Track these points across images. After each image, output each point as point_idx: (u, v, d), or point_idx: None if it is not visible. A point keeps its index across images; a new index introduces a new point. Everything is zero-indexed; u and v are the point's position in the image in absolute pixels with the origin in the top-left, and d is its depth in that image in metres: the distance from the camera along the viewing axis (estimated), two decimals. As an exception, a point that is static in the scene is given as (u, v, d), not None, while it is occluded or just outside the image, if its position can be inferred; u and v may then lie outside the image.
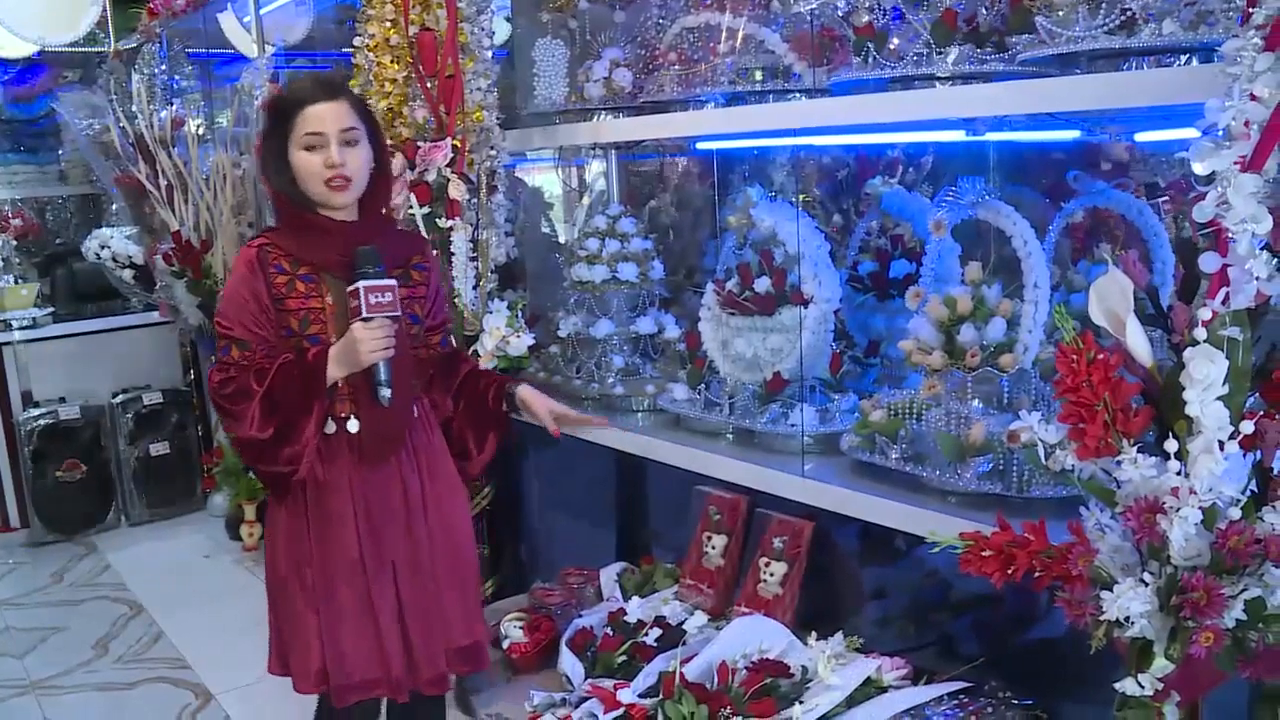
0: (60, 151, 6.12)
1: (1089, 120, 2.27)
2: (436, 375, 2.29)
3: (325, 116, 1.99)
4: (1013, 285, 2.20)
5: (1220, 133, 1.29)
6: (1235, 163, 1.27)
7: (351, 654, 2.08)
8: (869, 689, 1.98)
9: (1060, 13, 1.87)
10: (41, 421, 5.12)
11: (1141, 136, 2.29)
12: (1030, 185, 2.67)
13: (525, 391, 2.36)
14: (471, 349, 2.91)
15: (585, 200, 3.80)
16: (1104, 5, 1.80)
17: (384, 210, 2.22)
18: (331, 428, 2.06)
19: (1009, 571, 1.45)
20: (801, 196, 3.33)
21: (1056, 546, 1.44)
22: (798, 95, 2.53)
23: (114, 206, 5.82)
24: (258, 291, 2.01)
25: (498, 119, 3.09)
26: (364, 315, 1.94)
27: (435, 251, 2.40)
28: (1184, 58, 1.74)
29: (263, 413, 1.97)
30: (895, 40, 2.23)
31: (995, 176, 2.64)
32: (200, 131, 4.99)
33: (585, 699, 2.05)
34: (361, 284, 1.95)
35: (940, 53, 2.08)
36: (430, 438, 2.22)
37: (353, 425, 2.06)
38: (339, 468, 2.07)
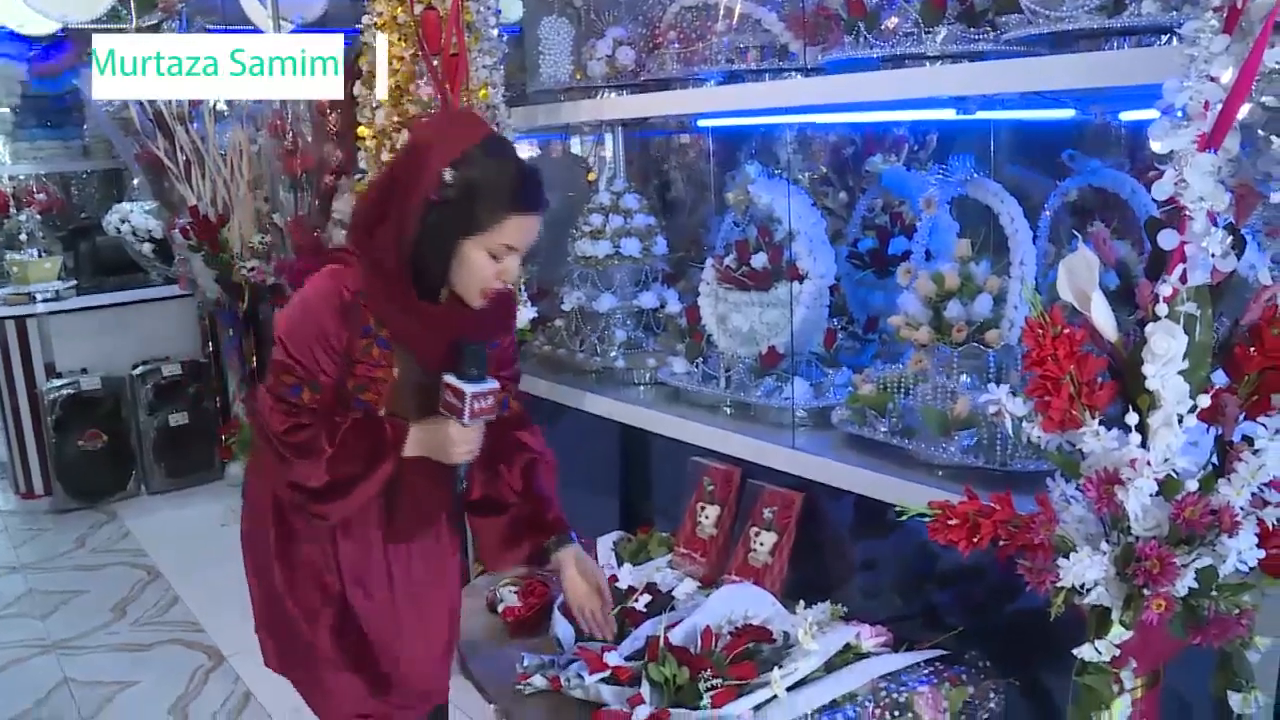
0: (84, 127, 6.21)
1: (1081, 99, 2.28)
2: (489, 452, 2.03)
3: (529, 230, 1.85)
4: (1007, 262, 2.22)
5: (1179, 112, 1.32)
6: (1193, 141, 1.30)
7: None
8: (848, 655, 2.02)
9: (1045, -9, 1.90)
10: (64, 392, 5.24)
11: (1127, 115, 2.29)
12: (1034, 164, 2.68)
13: (564, 553, 2.13)
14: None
15: (592, 176, 3.84)
16: (1088, -15, 1.82)
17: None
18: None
19: (975, 540, 1.49)
20: (807, 174, 3.36)
21: (1020, 516, 1.47)
22: (793, 74, 2.55)
23: (135, 181, 5.91)
24: (338, 338, 1.84)
25: (505, 96, 3.13)
26: (464, 420, 1.86)
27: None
28: (1164, 38, 1.76)
29: (326, 469, 1.85)
30: (893, 20, 2.26)
31: (1000, 155, 2.65)
32: (218, 107, 5.05)
33: (574, 661, 2.10)
34: (468, 389, 1.84)
35: (929, 32, 2.10)
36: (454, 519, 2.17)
37: None
38: (369, 532, 2.02)
